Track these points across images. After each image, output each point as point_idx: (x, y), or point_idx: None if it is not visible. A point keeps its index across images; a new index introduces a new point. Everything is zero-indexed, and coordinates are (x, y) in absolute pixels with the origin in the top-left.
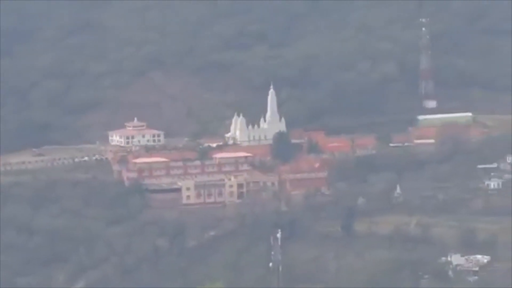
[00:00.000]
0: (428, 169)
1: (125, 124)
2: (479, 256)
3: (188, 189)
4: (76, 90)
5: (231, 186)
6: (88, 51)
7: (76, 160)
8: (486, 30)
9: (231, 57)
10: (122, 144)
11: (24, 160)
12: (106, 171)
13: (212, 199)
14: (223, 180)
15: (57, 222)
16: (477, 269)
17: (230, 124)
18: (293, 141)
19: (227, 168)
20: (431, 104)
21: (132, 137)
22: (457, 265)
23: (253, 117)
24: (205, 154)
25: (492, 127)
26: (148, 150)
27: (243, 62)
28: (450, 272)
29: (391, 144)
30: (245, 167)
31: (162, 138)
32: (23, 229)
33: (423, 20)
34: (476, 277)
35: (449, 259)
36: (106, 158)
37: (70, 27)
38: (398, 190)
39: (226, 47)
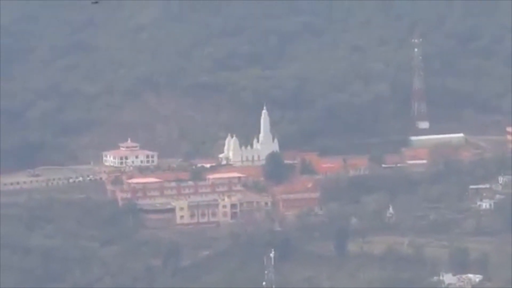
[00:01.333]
0: (421, 190)
1: (119, 144)
2: (471, 275)
3: (181, 209)
4: (70, 110)
5: (224, 206)
6: (81, 72)
7: (71, 180)
8: (478, 51)
9: (224, 78)
10: (116, 165)
11: (19, 180)
12: (100, 192)
13: (205, 219)
14: (217, 200)
15: (52, 242)
16: (469, 286)
17: (223, 144)
18: (286, 161)
19: (221, 189)
20: (424, 125)
21: (126, 158)
22: (449, 284)
23: (246, 138)
24: (198, 174)
25: (484, 148)
26: (142, 170)
27: (236, 83)
28: None
29: (384, 165)
30: (239, 187)
31: (155, 158)
32: (18, 248)
33: (416, 40)
34: None
35: (441, 278)
36: (100, 179)
37: (63, 48)
38: (390, 210)
39: (218, 68)
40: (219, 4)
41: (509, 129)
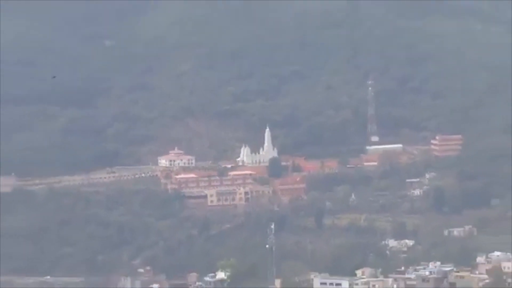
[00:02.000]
0: (373, 183)
1: (169, 152)
2: (407, 241)
3: (211, 195)
4: (136, 129)
5: (240, 193)
6: (143, 103)
7: (136, 176)
8: (413, 89)
9: (240, 107)
10: (167, 165)
11: (102, 176)
12: (156, 184)
13: (227, 203)
14: (235, 189)
15: (123, 218)
16: (405, 249)
17: (239, 152)
18: (282, 163)
19: (238, 182)
20: (375, 138)
21: (174, 161)
22: (392, 247)
23: (255, 147)
24: (222, 172)
25: (416, 155)
26: (185, 169)
27: (248, 111)
28: (387, 251)
29: (348, 166)
30: (250, 181)
31: (193, 161)
32: (100, 223)
33: (370, 82)
34: (405, 255)
35: (386, 242)
36: (156, 175)
37: (129, 87)
38: (353, 197)
39: (236, 100)
40: (236, 56)
41: (433, 141)
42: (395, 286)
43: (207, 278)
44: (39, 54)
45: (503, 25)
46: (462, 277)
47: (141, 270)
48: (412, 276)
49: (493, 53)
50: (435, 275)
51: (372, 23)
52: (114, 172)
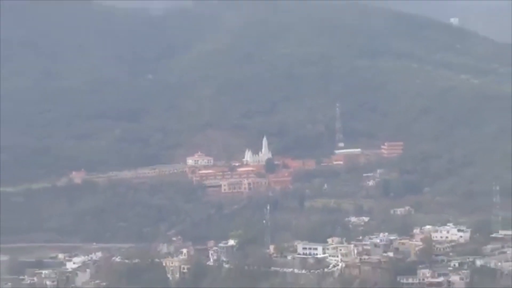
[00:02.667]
0: (340, 176)
1: (195, 154)
2: (364, 217)
3: (224, 185)
4: (171, 138)
5: (245, 184)
6: (175, 119)
7: (170, 172)
8: (368, 110)
9: (245, 122)
10: (193, 164)
11: (145, 171)
12: (185, 177)
13: (236, 190)
14: (241, 181)
15: (161, 202)
16: (363, 224)
17: (244, 154)
18: (275, 162)
19: (243, 176)
20: (341, 145)
21: (198, 161)
22: (353, 222)
23: (256, 151)
24: (232, 169)
25: (370, 156)
26: (205, 167)
27: (251, 125)
28: (350, 225)
29: (322, 164)
30: (252, 175)
31: (212, 161)
32: (145, 205)
33: (337, 105)
34: (362, 228)
35: (349, 219)
36: (185, 171)
37: (165, 108)
38: (325, 186)
39: (242, 117)
40: (242, 85)
41: (382, 147)
42: (355, 250)
43: (221, 244)
44: (104, 85)
45: (433, 63)
46: (403, 243)
47: (174, 239)
48: (368, 243)
49: (424, 84)
50: (384, 242)
51: (340, 62)
52: (155, 169)
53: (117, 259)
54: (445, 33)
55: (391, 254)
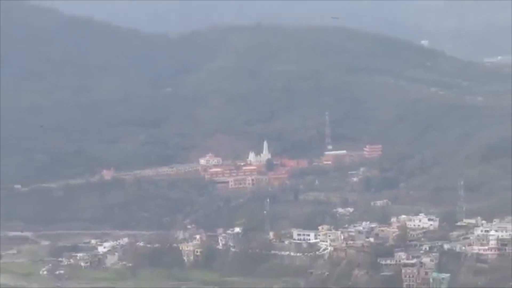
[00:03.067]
0: (328, 174)
1: (206, 155)
2: (349, 208)
3: (231, 181)
4: (187, 142)
5: (248, 180)
6: (190, 126)
7: (186, 170)
8: (352, 118)
9: (249, 128)
10: (205, 164)
11: (165, 170)
12: (198, 175)
13: (241, 186)
14: (245, 178)
15: (178, 195)
16: (348, 214)
17: (248, 155)
18: (274, 162)
19: (247, 173)
20: (330, 147)
21: (209, 161)
22: (340, 212)
23: (258, 152)
24: (238, 167)
25: (354, 157)
26: (215, 165)
27: (254, 131)
28: (337, 215)
29: (314, 163)
30: (254, 173)
31: (221, 161)
32: (164, 198)
33: (326, 113)
34: (348, 217)
35: (336, 210)
36: (198, 169)
37: (182, 117)
38: (316, 182)
39: (246, 125)
40: (246, 98)
41: (365, 149)
42: (342, 236)
43: (228, 231)
44: (130, 97)
45: (407, 79)
46: (382, 230)
47: (189, 227)
48: (352, 230)
49: (399, 96)
50: (366, 229)
51: (328, 78)
52: (172, 168)
53: (141, 244)
54: (417, 53)
55: (372, 239)
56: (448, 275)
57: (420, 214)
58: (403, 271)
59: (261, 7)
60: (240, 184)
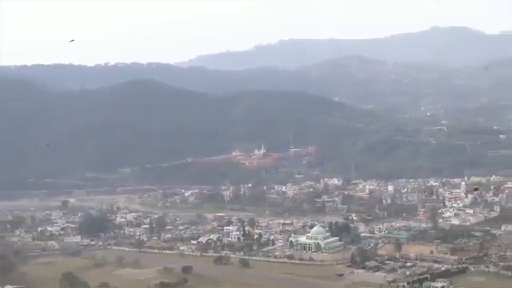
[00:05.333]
0: (290, 160)
1: (232, 152)
2: (301, 175)
3: (247, 163)
4: (214, 148)
5: (254, 162)
6: (216, 139)
7: (223, 158)
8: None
9: (254, 138)
10: (234, 154)
11: (217, 158)
12: (231, 160)
13: (251, 165)
14: (253, 161)
15: (223, 170)
16: (301, 177)
17: (255, 151)
18: (267, 154)
19: (254, 159)
20: (292, 147)
21: (236, 153)
22: (297, 176)
23: (259, 149)
24: (250, 157)
25: (301, 151)
26: (239, 155)
27: (256, 138)
28: (297, 178)
29: (285, 154)
30: (258, 159)
31: (242, 153)
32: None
33: (291, 139)
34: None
35: (296, 176)
36: (231, 157)
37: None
38: (285, 164)
39: (253, 137)
40: (246, 121)
41: (309, 148)
42: (298, 188)
43: (247, 185)
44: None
45: (333, 117)
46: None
47: (227, 183)
48: (303, 186)
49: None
50: (310, 184)
51: (298, 115)
52: (221, 156)
53: (204, 191)
54: (332, 105)
55: (311, 189)
56: (346, 206)
57: (334, 178)
58: (326, 205)
59: None
60: (251, 164)
